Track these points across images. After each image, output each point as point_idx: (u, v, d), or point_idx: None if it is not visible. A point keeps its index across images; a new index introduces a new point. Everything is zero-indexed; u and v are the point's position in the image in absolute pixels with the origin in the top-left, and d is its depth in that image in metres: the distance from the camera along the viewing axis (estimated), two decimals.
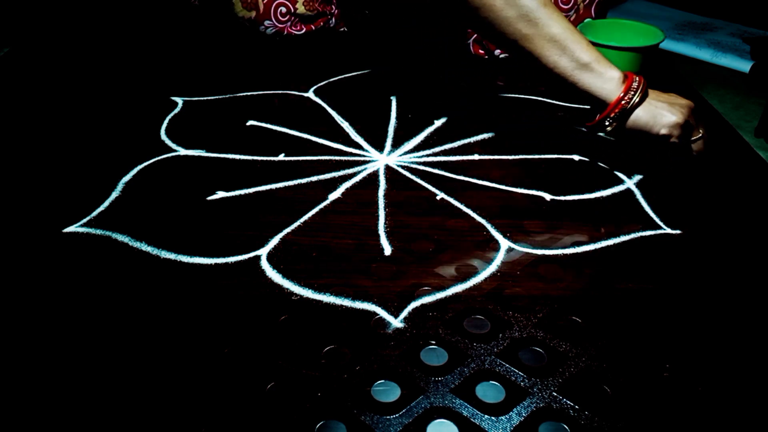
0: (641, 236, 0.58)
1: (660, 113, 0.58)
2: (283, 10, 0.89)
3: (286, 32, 0.91)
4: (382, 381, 0.44)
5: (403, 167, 0.69)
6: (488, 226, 0.59)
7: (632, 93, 0.57)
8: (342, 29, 0.95)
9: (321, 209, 0.62)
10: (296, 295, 0.51)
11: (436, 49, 0.94)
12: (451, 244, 0.57)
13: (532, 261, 0.55)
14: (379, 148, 0.72)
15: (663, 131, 0.58)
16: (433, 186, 0.65)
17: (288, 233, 0.58)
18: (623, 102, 0.57)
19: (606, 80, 0.57)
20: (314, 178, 0.66)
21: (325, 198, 0.63)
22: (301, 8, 0.90)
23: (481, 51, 0.95)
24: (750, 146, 0.75)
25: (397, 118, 0.79)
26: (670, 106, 0.58)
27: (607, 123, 0.59)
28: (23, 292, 0.51)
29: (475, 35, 0.94)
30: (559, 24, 0.56)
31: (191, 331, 0.47)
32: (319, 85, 0.87)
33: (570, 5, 0.93)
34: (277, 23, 0.90)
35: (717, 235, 0.59)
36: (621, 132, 0.60)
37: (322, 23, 0.94)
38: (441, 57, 0.93)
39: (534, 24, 0.56)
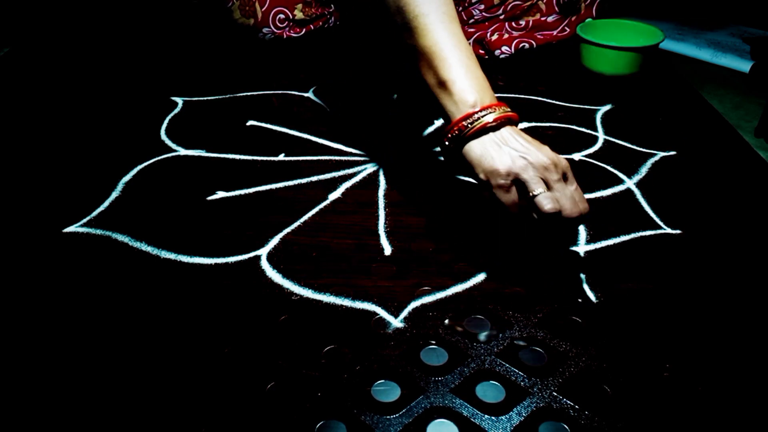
0: (641, 236, 0.58)
1: (491, 155, 0.48)
2: (282, 16, 0.89)
3: (285, 36, 0.92)
4: (382, 381, 0.44)
5: (403, 167, 0.69)
6: (488, 226, 0.59)
7: (473, 121, 0.49)
8: (337, 24, 0.95)
9: (321, 209, 0.62)
10: (296, 295, 0.51)
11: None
12: (452, 244, 0.57)
13: (532, 261, 0.55)
14: (379, 148, 0.72)
15: (481, 175, 0.49)
16: (433, 185, 0.65)
17: (288, 233, 0.58)
18: (457, 126, 0.50)
19: (456, 102, 0.51)
20: (314, 178, 0.66)
21: (325, 198, 0.63)
22: (299, 14, 0.90)
23: (481, 51, 0.95)
24: (750, 146, 0.75)
25: (397, 118, 0.79)
26: (511, 152, 0.48)
27: (446, 143, 0.52)
28: (23, 292, 0.51)
29: (476, 35, 0.94)
30: (435, 36, 0.52)
31: (191, 331, 0.47)
32: (319, 85, 0.87)
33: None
34: (275, 29, 0.90)
35: (717, 235, 0.59)
36: (456, 160, 0.52)
37: (321, 23, 0.94)
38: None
39: (411, 34, 0.53)
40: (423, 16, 0.52)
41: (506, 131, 0.50)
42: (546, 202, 0.47)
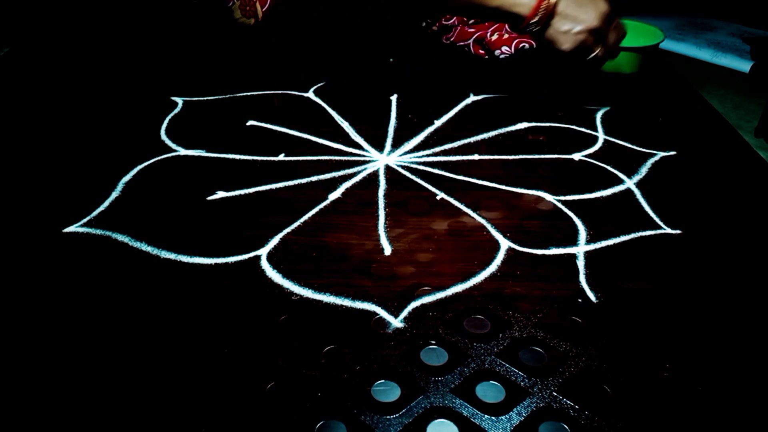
0: (641, 236, 0.58)
1: (580, 7, 0.65)
2: None
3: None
4: (382, 381, 0.44)
5: (403, 167, 0.69)
6: (488, 226, 0.59)
7: (547, 4, 0.65)
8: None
9: (321, 209, 0.62)
10: (296, 295, 0.51)
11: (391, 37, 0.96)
12: (451, 244, 0.57)
13: (532, 261, 0.55)
14: (379, 148, 0.72)
15: (580, 27, 0.66)
16: (433, 186, 0.65)
17: (288, 233, 0.58)
18: (536, 10, 0.65)
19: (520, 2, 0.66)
20: (314, 178, 0.66)
21: (325, 198, 0.63)
22: None
23: (481, 51, 0.95)
24: (750, 146, 0.75)
25: (397, 118, 0.79)
26: (590, 6, 0.65)
27: (534, 21, 0.66)
28: (23, 292, 0.51)
29: (476, 35, 0.94)
30: None
31: (191, 331, 0.47)
32: (319, 85, 0.87)
33: None
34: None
35: (717, 235, 0.59)
36: (540, 36, 0.68)
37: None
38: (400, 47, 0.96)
39: None
40: None
41: (567, 4, 0.65)
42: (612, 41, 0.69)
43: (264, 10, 0.88)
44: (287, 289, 0.52)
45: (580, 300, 0.51)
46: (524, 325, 0.48)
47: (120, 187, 0.64)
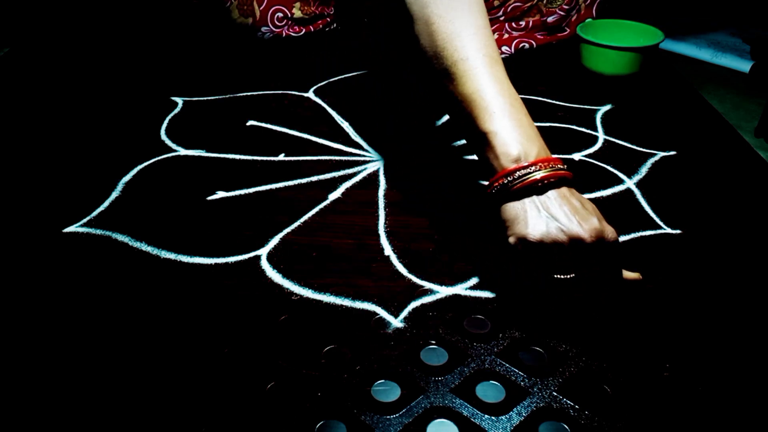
0: (641, 236, 0.58)
1: (525, 219, 0.44)
2: (280, 15, 0.89)
3: (284, 35, 0.92)
4: (382, 381, 0.44)
5: (403, 167, 0.69)
6: (488, 226, 0.59)
7: (514, 179, 0.44)
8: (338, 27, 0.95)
9: (321, 209, 0.62)
10: (296, 295, 0.51)
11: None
12: (452, 244, 0.57)
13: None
14: (379, 148, 0.72)
15: (511, 239, 0.44)
16: (434, 185, 0.65)
17: (288, 233, 0.58)
18: (498, 182, 0.45)
19: (498, 155, 0.46)
20: (314, 178, 0.66)
21: (325, 198, 0.63)
22: (297, 13, 0.90)
23: None
24: (750, 146, 0.75)
25: (397, 118, 0.79)
26: (549, 222, 0.43)
27: (488, 197, 0.47)
28: (23, 292, 0.51)
29: None
30: (475, 83, 0.47)
31: (191, 331, 0.47)
32: (319, 85, 0.87)
33: (571, 5, 0.93)
34: (274, 28, 0.90)
35: (717, 235, 0.59)
36: (494, 216, 0.47)
37: (321, 25, 0.94)
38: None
39: (451, 80, 0.48)
40: (462, 62, 0.48)
41: (553, 194, 0.44)
42: (561, 290, 0.43)
43: (262, 9, 0.88)
44: (287, 289, 0.52)
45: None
46: (524, 325, 0.48)
47: (120, 187, 0.64)
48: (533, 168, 0.44)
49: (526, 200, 0.44)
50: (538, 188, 0.44)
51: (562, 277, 0.44)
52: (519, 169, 0.44)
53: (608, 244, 0.43)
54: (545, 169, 0.44)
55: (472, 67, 0.48)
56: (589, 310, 0.46)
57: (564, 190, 0.44)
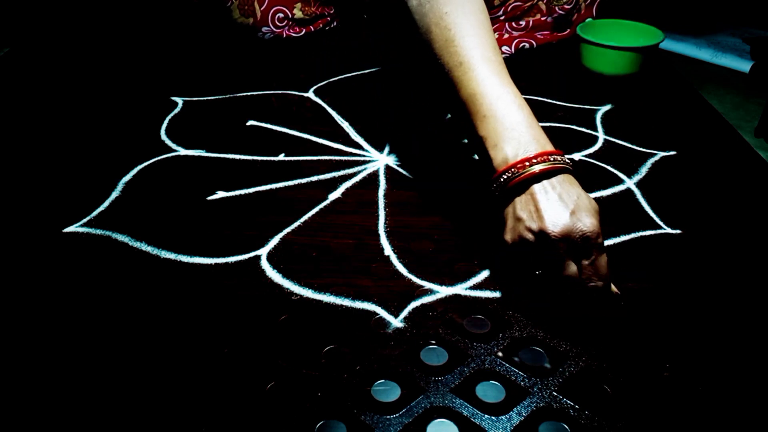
0: (641, 236, 0.58)
1: (513, 215, 0.45)
2: (281, 15, 0.89)
3: (285, 35, 0.92)
4: (382, 381, 0.44)
5: (403, 167, 0.69)
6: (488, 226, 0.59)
7: (507, 178, 0.45)
8: (338, 26, 0.95)
9: (321, 209, 0.62)
10: (296, 295, 0.51)
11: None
12: (452, 244, 0.57)
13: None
14: (379, 148, 0.72)
15: (506, 236, 0.46)
16: (434, 185, 0.65)
17: (288, 233, 0.58)
18: (496, 182, 0.46)
19: (493, 158, 0.47)
20: (314, 178, 0.66)
21: (325, 198, 0.63)
22: (298, 13, 0.90)
23: None
24: (750, 146, 0.75)
25: (397, 118, 0.79)
26: (517, 221, 0.44)
27: (494, 186, 0.47)
28: (23, 292, 0.51)
29: None
30: (472, 88, 0.48)
31: (191, 331, 0.47)
32: (319, 85, 0.87)
33: (572, 5, 0.93)
34: (274, 28, 0.90)
35: (717, 235, 0.59)
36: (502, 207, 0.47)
37: (321, 25, 0.94)
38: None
39: (449, 85, 0.49)
40: (457, 67, 0.48)
41: (542, 186, 0.44)
42: (541, 287, 0.44)
43: (263, 9, 0.88)
44: (287, 289, 0.52)
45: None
46: (524, 324, 0.48)
47: (120, 187, 0.64)
48: (531, 163, 0.45)
49: (511, 203, 0.46)
50: (521, 188, 0.45)
51: (540, 273, 0.44)
52: (506, 170, 0.45)
53: (581, 239, 0.43)
54: (542, 163, 0.44)
55: (467, 71, 0.48)
56: (570, 307, 0.47)
57: (540, 186, 0.44)
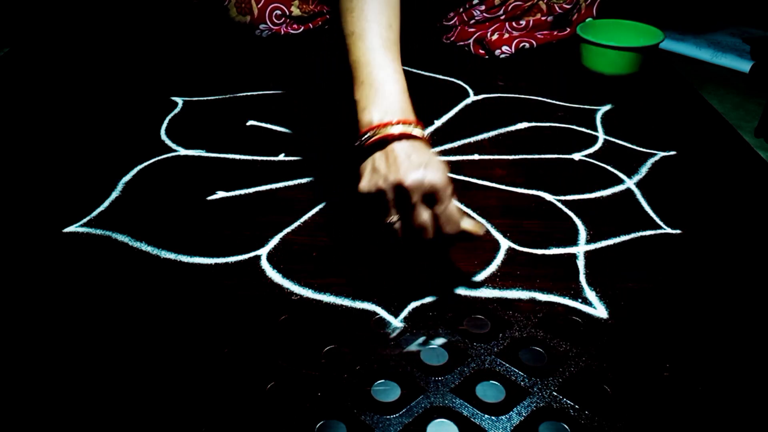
0: (641, 236, 0.58)
1: (363, 174, 0.48)
2: (278, 13, 0.89)
3: (282, 32, 0.91)
4: (382, 381, 0.44)
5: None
6: (488, 225, 0.59)
7: (363, 138, 0.49)
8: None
9: (321, 209, 0.62)
10: (296, 295, 0.51)
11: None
12: (451, 245, 0.57)
13: (532, 261, 0.55)
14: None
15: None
16: None
17: (288, 233, 0.58)
18: (357, 142, 0.50)
19: (359, 120, 0.50)
20: (314, 178, 0.66)
21: (325, 198, 0.63)
22: (296, 11, 0.90)
23: (481, 51, 0.95)
24: (750, 146, 0.75)
25: None
26: (373, 175, 0.48)
27: (357, 143, 0.50)
28: (23, 292, 0.51)
29: (476, 35, 0.94)
30: (354, 54, 0.52)
31: (191, 331, 0.47)
32: (319, 85, 0.87)
33: (572, 4, 0.93)
34: (272, 26, 0.90)
35: (717, 235, 0.59)
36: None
37: (320, 22, 0.94)
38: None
39: (345, 50, 0.53)
40: (349, 36, 0.53)
41: (400, 144, 0.47)
42: (390, 232, 0.47)
43: (259, 7, 0.88)
44: (287, 289, 0.52)
45: (579, 299, 0.51)
46: (524, 325, 0.48)
47: (120, 187, 0.64)
48: (376, 130, 0.49)
49: (369, 157, 0.49)
50: (381, 145, 0.48)
51: (390, 221, 0.48)
52: (369, 131, 0.49)
53: (432, 188, 0.46)
54: (385, 129, 0.48)
55: (356, 40, 0.53)
56: (420, 252, 0.50)
57: (398, 144, 0.48)
